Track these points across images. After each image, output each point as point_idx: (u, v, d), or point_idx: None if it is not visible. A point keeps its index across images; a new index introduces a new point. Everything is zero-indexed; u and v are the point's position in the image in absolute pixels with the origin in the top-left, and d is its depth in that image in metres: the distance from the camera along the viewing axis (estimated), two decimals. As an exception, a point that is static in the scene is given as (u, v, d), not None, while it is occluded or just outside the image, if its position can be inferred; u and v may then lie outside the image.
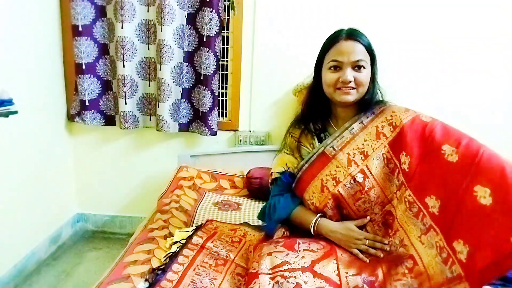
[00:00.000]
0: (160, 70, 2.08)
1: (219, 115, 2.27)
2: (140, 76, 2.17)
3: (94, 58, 2.13)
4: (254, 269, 1.04)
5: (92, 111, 2.18)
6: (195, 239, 1.31)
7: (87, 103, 2.15)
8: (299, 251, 1.06)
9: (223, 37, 2.15)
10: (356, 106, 1.15)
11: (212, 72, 2.10)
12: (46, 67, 2.06)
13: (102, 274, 1.19)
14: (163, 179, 2.11)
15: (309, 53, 2.08)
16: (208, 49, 2.08)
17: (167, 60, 2.06)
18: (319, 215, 1.14)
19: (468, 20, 2.04)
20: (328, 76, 1.10)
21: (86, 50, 2.09)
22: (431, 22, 2.05)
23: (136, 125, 2.22)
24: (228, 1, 2.13)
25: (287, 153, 1.25)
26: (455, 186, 0.88)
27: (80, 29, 2.05)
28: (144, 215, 1.97)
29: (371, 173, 1.08)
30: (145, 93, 2.21)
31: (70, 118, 2.23)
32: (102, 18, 2.10)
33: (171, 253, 1.24)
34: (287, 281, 0.95)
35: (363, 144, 1.10)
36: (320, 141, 1.18)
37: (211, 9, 2.02)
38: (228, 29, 2.17)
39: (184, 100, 2.21)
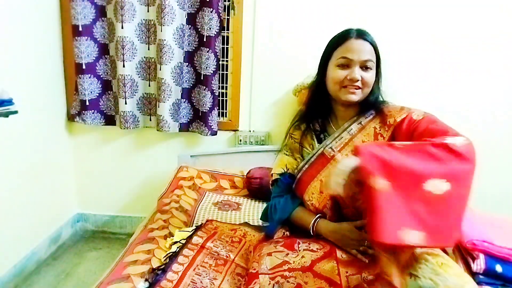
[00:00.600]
0: (160, 70, 2.08)
1: (219, 115, 2.27)
2: (140, 76, 2.17)
3: (94, 58, 2.13)
4: (254, 269, 1.04)
5: (92, 111, 2.18)
6: (195, 239, 1.31)
7: (87, 103, 2.15)
8: (299, 250, 1.06)
9: (223, 37, 2.15)
10: (358, 107, 1.15)
11: (212, 72, 2.10)
12: (46, 67, 2.06)
13: (102, 274, 1.19)
14: (163, 179, 2.11)
15: (309, 53, 2.09)
16: (208, 49, 2.08)
17: (167, 60, 2.06)
18: (318, 215, 1.14)
19: (468, 20, 2.04)
20: (336, 73, 1.09)
21: (86, 50, 2.09)
22: (431, 22, 2.05)
23: (136, 125, 2.22)
24: (228, 1, 2.13)
25: (286, 154, 1.25)
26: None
27: (80, 29, 2.05)
28: (144, 215, 1.97)
29: None
30: (145, 93, 2.21)
31: (70, 118, 2.23)
32: (102, 18, 2.10)
33: (171, 253, 1.24)
34: (287, 281, 0.95)
35: None
36: (320, 141, 1.18)
37: (211, 9, 2.02)
38: (228, 29, 2.17)
39: (184, 100, 2.21)
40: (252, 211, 1.75)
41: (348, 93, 1.09)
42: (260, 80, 2.20)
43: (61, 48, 2.16)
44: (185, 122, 2.24)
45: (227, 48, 2.20)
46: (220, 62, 2.17)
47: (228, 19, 2.16)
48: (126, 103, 2.13)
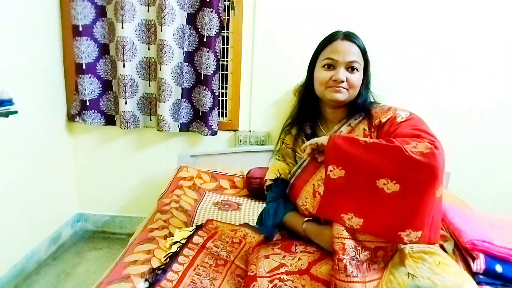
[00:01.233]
0: (160, 70, 2.08)
1: (219, 115, 2.27)
2: (141, 76, 2.17)
3: (94, 58, 2.13)
4: (252, 271, 1.04)
5: (93, 111, 2.18)
6: (195, 239, 1.31)
7: (87, 103, 2.15)
8: (296, 252, 1.06)
9: (223, 37, 2.15)
10: (346, 109, 1.14)
11: (212, 72, 2.10)
12: (46, 67, 2.06)
13: (102, 274, 1.19)
14: (163, 179, 2.11)
15: (309, 53, 2.08)
16: (208, 49, 2.08)
17: (167, 60, 2.06)
18: (306, 219, 1.12)
19: (468, 20, 2.04)
20: (321, 74, 1.09)
21: (87, 50, 2.09)
22: (430, 22, 2.05)
23: (137, 125, 2.22)
24: (228, 1, 2.13)
25: (278, 159, 1.25)
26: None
27: (81, 29, 2.05)
28: (144, 215, 1.97)
29: None
30: (145, 93, 2.21)
31: (71, 118, 2.23)
32: (102, 18, 2.10)
33: (171, 253, 1.24)
34: (285, 284, 0.95)
35: None
36: None
37: (211, 9, 2.02)
38: (228, 29, 2.17)
39: (185, 100, 2.21)
40: (252, 211, 1.75)
41: (334, 92, 1.07)
42: (260, 80, 2.20)
43: (61, 48, 2.16)
44: (185, 122, 2.24)
45: (227, 48, 2.20)
46: (220, 62, 2.17)
47: (228, 19, 2.16)
48: (126, 103, 2.13)
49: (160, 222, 1.51)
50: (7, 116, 1.57)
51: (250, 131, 2.29)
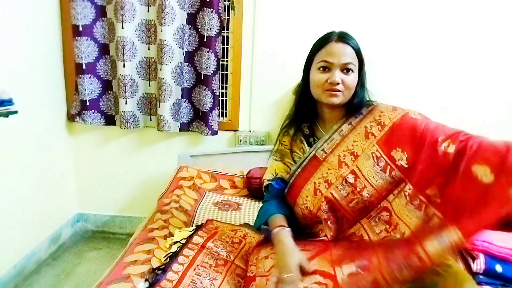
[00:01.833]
0: (160, 70, 2.08)
1: (219, 115, 2.27)
2: (141, 76, 2.17)
3: (94, 58, 2.13)
4: (252, 272, 1.04)
5: (93, 111, 2.18)
6: (195, 239, 1.31)
7: (87, 103, 2.15)
8: None
9: (223, 37, 2.15)
10: (343, 109, 1.15)
11: (212, 72, 2.10)
12: (46, 67, 2.06)
13: (102, 274, 1.19)
14: (163, 179, 2.11)
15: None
16: (208, 49, 2.08)
17: (167, 60, 2.06)
18: (280, 227, 1.08)
19: (468, 19, 2.04)
20: (317, 77, 1.09)
21: (87, 50, 2.09)
22: (429, 20, 2.05)
23: (137, 125, 2.22)
24: (228, 1, 2.13)
25: (276, 160, 1.25)
26: (454, 173, 0.91)
27: (80, 29, 2.05)
28: (144, 215, 1.97)
29: (362, 173, 1.07)
30: (145, 93, 2.21)
31: (71, 118, 2.23)
32: (102, 18, 2.10)
33: (171, 253, 1.24)
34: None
35: (352, 145, 1.10)
36: (310, 145, 1.18)
37: (211, 9, 2.02)
38: (228, 29, 2.17)
39: (185, 100, 2.21)
40: (252, 211, 1.75)
41: (330, 96, 1.08)
42: (260, 80, 2.20)
43: (61, 48, 2.16)
44: (185, 122, 2.24)
45: (227, 48, 2.20)
46: (220, 62, 2.17)
47: (228, 19, 2.16)
48: (126, 103, 2.13)
49: (160, 222, 1.51)
50: (7, 116, 1.57)
51: (250, 131, 2.29)
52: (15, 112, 1.58)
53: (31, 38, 1.90)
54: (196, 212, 1.67)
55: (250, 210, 1.76)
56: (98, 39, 2.12)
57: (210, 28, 2.05)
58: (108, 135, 2.33)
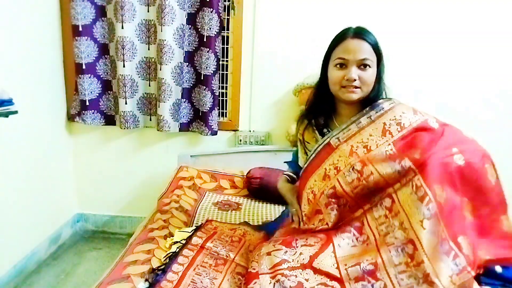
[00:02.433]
0: (160, 70, 2.08)
1: (219, 115, 2.27)
2: (140, 76, 2.17)
3: (94, 58, 2.13)
4: (254, 269, 1.04)
5: (92, 111, 2.18)
6: (194, 240, 1.31)
7: (87, 103, 2.15)
8: (297, 247, 1.07)
9: (223, 37, 2.15)
10: (360, 104, 1.16)
11: (212, 72, 2.10)
12: (46, 67, 2.06)
13: (102, 274, 1.19)
14: (163, 179, 2.11)
15: (309, 53, 2.10)
16: (208, 49, 2.08)
17: (167, 60, 2.06)
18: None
19: (467, 18, 2.04)
20: (334, 74, 1.11)
21: (86, 50, 2.09)
22: (429, 21, 2.05)
23: (136, 125, 2.22)
24: (228, 1, 2.13)
25: (296, 147, 1.37)
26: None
27: (80, 29, 2.05)
28: (144, 215, 1.97)
29: (371, 163, 1.06)
30: (145, 93, 2.21)
31: (70, 118, 2.23)
32: (102, 18, 2.10)
33: (171, 253, 1.24)
34: (288, 279, 0.96)
35: (367, 139, 1.10)
36: (323, 136, 1.20)
37: (211, 9, 2.02)
38: (228, 29, 2.17)
39: (185, 100, 2.21)
40: (252, 211, 1.75)
41: (347, 93, 1.10)
42: (260, 80, 2.20)
43: (61, 48, 2.16)
44: (185, 122, 2.24)
45: (227, 48, 2.20)
46: (220, 62, 2.17)
47: (228, 19, 2.16)
48: (126, 103, 2.13)
49: (160, 222, 1.51)
50: (7, 116, 1.57)
51: (250, 131, 2.29)
52: (15, 112, 1.58)
53: (31, 38, 1.90)
54: (196, 212, 1.67)
55: (250, 210, 1.76)
56: (98, 39, 2.12)
57: (210, 28, 2.05)
58: (108, 135, 2.33)
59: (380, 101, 1.15)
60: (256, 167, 1.95)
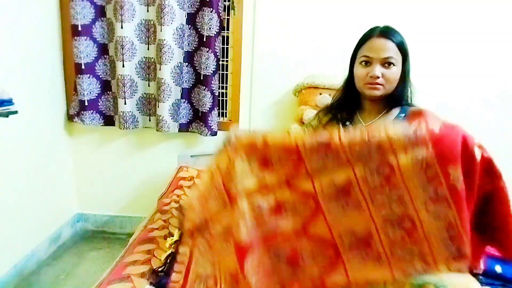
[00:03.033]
0: (160, 70, 2.08)
1: (219, 115, 2.27)
2: (140, 76, 2.17)
3: (93, 58, 2.12)
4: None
5: (91, 111, 2.18)
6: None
7: (86, 103, 2.15)
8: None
9: (223, 37, 2.15)
10: (384, 101, 1.19)
11: (212, 72, 2.10)
12: (46, 67, 2.06)
13: (102, 274, 1.19)
14: (163, 179, 2.11)
15: (309, 53, 2.10)
16: (208, 49, 2.07)
17: (167, 60, 2.06)
18: None
19: (467, 18, 2.04)
20: (359, 71, 1.16)
21: (86, 50, 2.08)
22: (429, 21, 2.05)
23: (136, 125, 2.21)
24: (228, 1, 2.12)
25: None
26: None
27: (80, 29, 2.04)
28: (144, 215, 1.97)
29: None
30: (144, 93, 2.21)
31: (70, 118, 2.23)
32: (102, 18, 2.10)
33: (171, 253, 1.23)
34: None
35: None
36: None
37: (211, 9, 2.02)
38: (228, 29, 2.17)
39: (184, 100, 2.21)
40: (252, 211, 1.74)
41: (371, 89, 1.14)
42: (260, 80, 2.20)
43: (60, 48, 2.16)
44: (185, 122, 2.24)
45: (227, 48, 2.20)
46: (220, 62, 2.17)
47: (228, 19, 2.16)
48: (125, 103, 2.13)
49: (160, 222, 1.51)
50: (7, 116, 1.57)
51: (250, 131, 2.28)
52: (15, 112, 1.58)
53: (31, 38, 1.90)
54: (196, 212, 1.67)
55: (250, 210, 1.76)
56: (97, 39, 2.12)
57: (210, 28, 2.05)
58: (108, 135, 2.33)
59: (411, 108, 1.17)
60: (256, 167, 1.95)
